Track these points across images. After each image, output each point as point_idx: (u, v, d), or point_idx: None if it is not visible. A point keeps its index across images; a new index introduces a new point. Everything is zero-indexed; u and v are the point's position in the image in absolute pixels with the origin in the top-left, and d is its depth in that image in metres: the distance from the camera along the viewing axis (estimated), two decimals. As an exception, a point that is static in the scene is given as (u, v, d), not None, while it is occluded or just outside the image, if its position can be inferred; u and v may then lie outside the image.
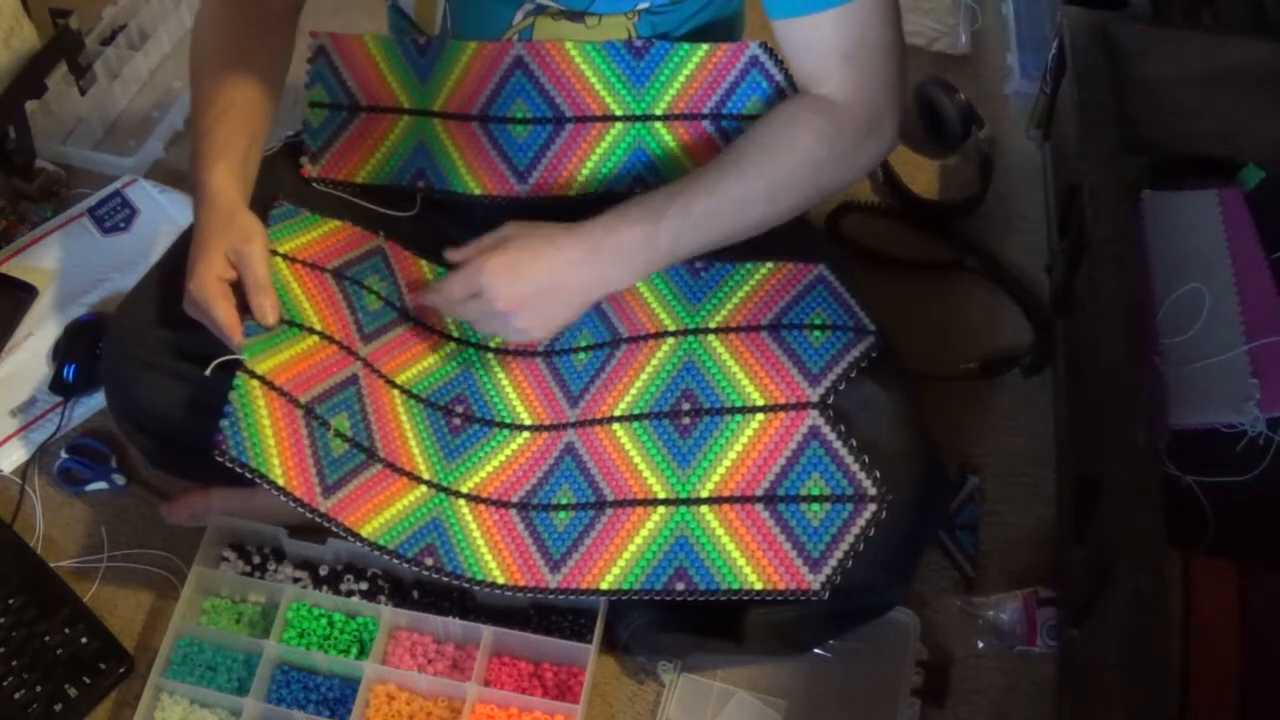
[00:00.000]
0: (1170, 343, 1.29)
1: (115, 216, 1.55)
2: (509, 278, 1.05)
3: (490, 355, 1.18)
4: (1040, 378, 1.41)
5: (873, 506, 1.03)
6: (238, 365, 1.01)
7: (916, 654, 1.19)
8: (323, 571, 1.24)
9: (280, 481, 1.01)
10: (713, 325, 1.11)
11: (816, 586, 1.03)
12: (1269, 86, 1.41)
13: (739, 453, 1.06)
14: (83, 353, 1.39)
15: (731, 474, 1.06)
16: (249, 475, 0.99)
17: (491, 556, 1.09)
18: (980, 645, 1.21)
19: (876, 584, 1.09)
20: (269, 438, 1.01)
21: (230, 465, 0.98)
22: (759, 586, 1.04)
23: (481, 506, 1.11)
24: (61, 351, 1.40)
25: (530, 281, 1.05)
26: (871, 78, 1.06)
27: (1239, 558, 1.14)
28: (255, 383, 1.01)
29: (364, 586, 1.22)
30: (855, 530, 1.03)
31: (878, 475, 1.03)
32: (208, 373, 1.02)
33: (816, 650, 1.20)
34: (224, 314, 1.01)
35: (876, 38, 1.04)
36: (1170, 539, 1.04)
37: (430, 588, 1.21)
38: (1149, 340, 1.27)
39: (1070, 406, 1.31)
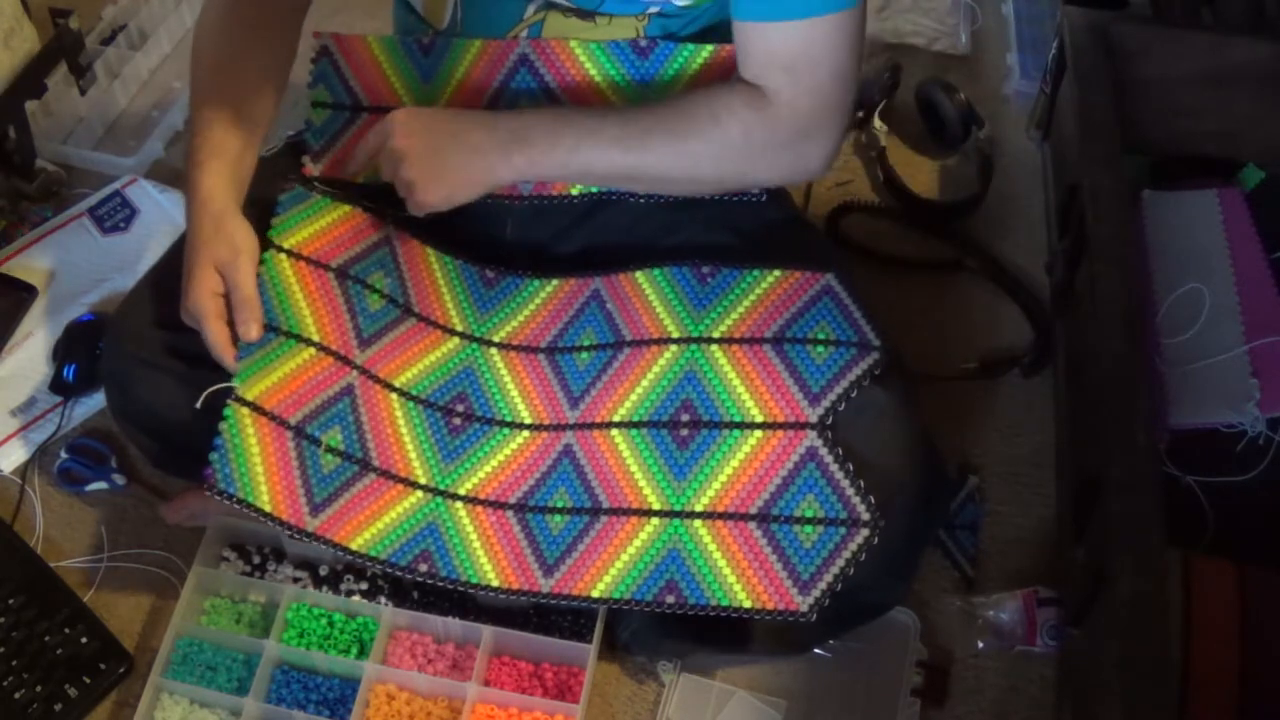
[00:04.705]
0: (1170, 343, 1.29)
1: (115, 216, 1.55)
2: (411, 117, 1.10)
3: (494, 351, 1.18)
4: (1040, 378, 1.41)
5: (865, 532, 1.03)
6: (230, 391, 1.03)
7: (916, 654, 1.19)
8: (323, 571, 1.24)
9: (267, 508, 1.03)
10: (716, 335, 1.10)
11: (805, 608, 1.03)
12: (1269, 86, 1.41)
13: (735, 469, 1.06)
14: (83, 353, 1.38)
15: (727, 490, 1.06)
16: (237, 506, 1.02)
17: (487, 559, 1.09)
18: (980, 645, 1.21)
19: (876, 584, 1.09)
20: (257, 465, 1.03)
21: (219, 498, 1.01)
22: (748, 605, 1.04)
23: (479, 509, 1.11)
24: (61, 351, 1.40)
25: (429, 125, 1.09)
26: (808, 94, 1.05)
27: (1239, 558, 1.14)
28: (245, 410, 1.03)
29: (364, 586, 1.22)
30: (846, 554, 1.03)
31: (872, 500, 1.03)
32: (198, 405, 1.03)
33: (816, 650, 1.20)
34: (216, 334, 1.03)
35: (823, 58, 1.03)
36: (1170, 539, 1.04)
37: (430, 588, 1.21)
38: (1149, 340, 1.27)
39: (1070, 406, 1.31)
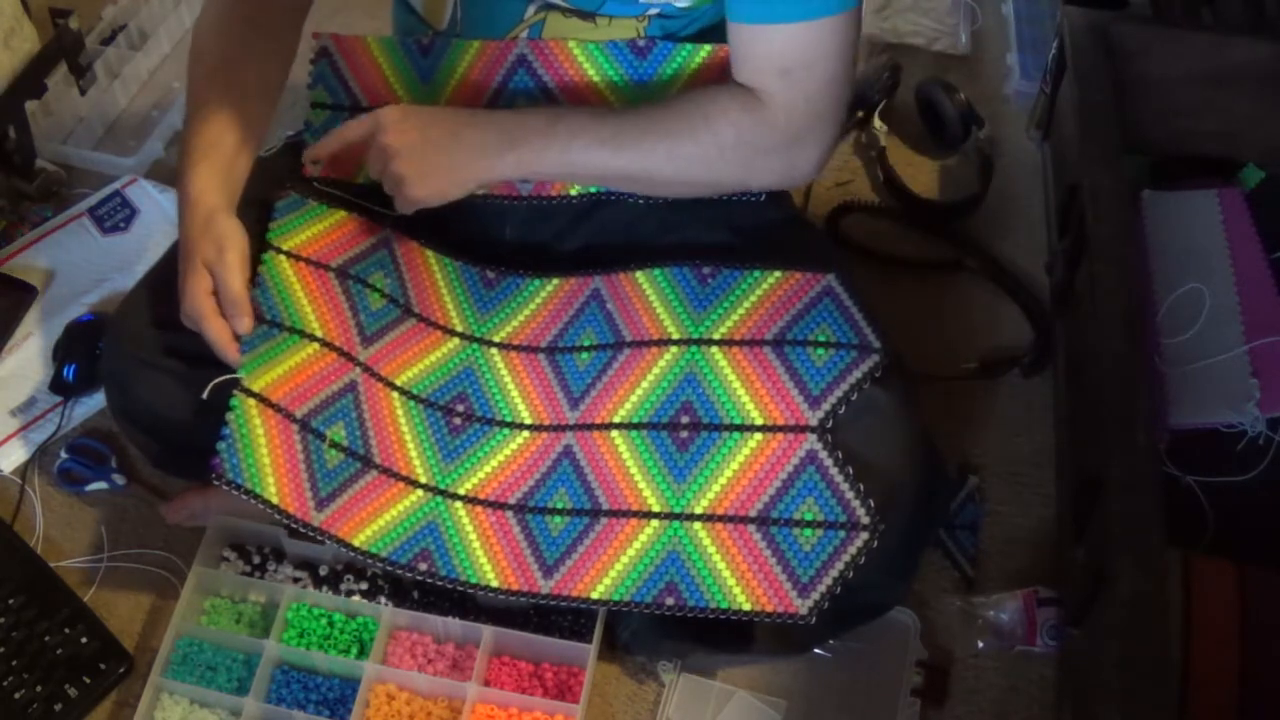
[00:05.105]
0: (1170, 343, 1.29)
1: (115, 216, 1.55)
2: (402, 114, 1.09)
3: (495, 351, 1.18)
4: (1040, 378, 1.41)
5: (864, 535, 1.03)
6: (235, 383, 1.03)
7: (916, 654, 1.19)
8: (323, 571, 1.24)
9: (275, 500, 1.03)
10: (716, 336, 1.10)
11: (804, 611, 1.03)
12: (1269, 86, 1.41)
13: (735, 471, 1.06)
14: (83, 353, 1.38)
15: (726, 492, 1.06)
16: (244, 496, 1.01)
17: (487, 560, 1.09)
18: (980, 645, 1.21)
19: (876, 584, 1.09)
20: (264, 456, 1.03)
21: (226, 488, 1.01)
22: (747, 607, 1.04)
23: (478, 509, 1.11)
24: (61, 351, 1.40)
25: (421, 122, 1.09)
26: (802, 98, 1.05)
27: (1239, 558, 1.14)
28: (252, 401, 1.03)
29: (364, 586, 1.22)
30: (846, 558, 1.03)
31: (871, 504, 1.03)
32: (205, 396, 1.03)
33: (816, 650, 1.20)
34: (217, 332, 1.02)
35: (818, 61, 1.03)
36: (1170, 539, 1.04)
37: (430, 587, 1.21)
38: (1149, 340, 1.27)
39: (1070, 406, 1.31)
